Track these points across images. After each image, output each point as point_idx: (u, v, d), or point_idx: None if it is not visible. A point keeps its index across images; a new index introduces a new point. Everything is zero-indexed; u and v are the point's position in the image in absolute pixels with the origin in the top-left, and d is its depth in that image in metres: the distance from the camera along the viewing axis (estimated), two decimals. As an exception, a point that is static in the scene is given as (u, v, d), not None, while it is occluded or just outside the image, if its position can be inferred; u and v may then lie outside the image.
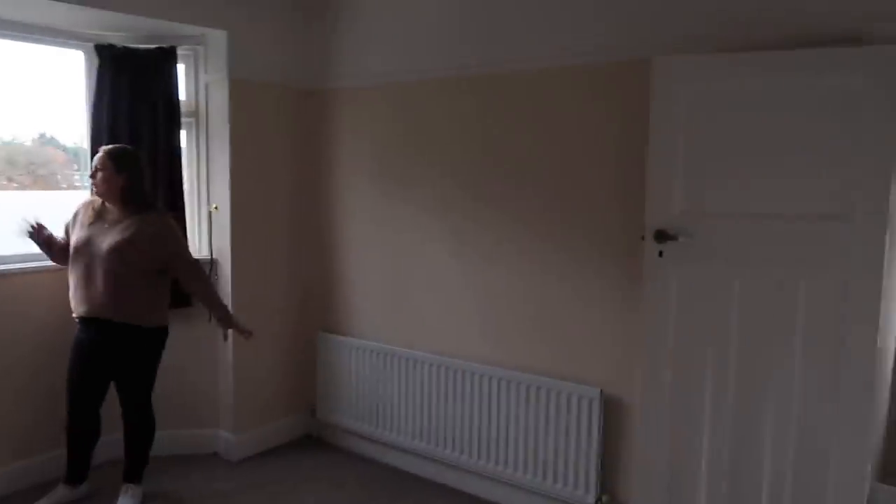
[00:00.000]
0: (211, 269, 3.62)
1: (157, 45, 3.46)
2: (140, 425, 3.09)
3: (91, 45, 3.41)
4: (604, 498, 2.90)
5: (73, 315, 3.00)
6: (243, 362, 3.67)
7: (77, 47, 3.45)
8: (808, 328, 2.38)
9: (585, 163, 2.90)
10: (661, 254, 2.63)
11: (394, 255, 3.58)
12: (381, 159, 3.60)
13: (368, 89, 3.62)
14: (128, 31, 3.44)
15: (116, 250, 2.87)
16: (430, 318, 3.44)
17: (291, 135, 3.82)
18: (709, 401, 2.57)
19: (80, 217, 3.03)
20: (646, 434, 2.71)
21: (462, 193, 3.29)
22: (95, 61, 3.39)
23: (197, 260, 3.22)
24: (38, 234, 3.00)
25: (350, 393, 3.74)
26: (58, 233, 3.09)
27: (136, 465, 3.12)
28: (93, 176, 2.95)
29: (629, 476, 2.84)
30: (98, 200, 3.02)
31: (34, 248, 3.19)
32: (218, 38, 3.50)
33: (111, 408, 3.09)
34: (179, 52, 3.52)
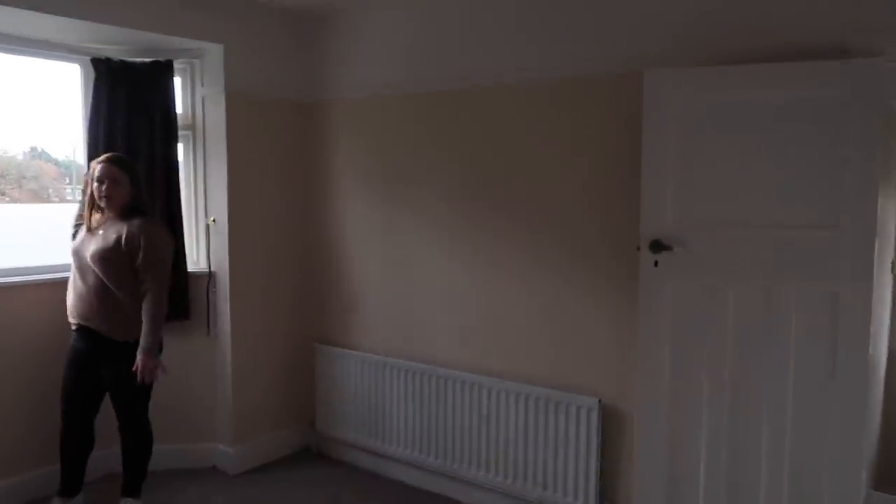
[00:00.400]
0: (209, 282, 3.62)
1: (153, 59, 3.48)
2: (137, 439, 3.06)
3: (87, 58, 3.41)
4: (603, 507, 2.93)
5: (69, 320, 2.98)
6: (242, 375, 3.67)
7: (73, 61, 3.46)
8: (801, 337, 2.43)
9: (584, 174, 2.94)
10: (656, 263, 2.66)
11: (391, 265, 3.60)
12: (377, 170, 3.63)
13: (363, 101, 3.65)
14: (124, 44, 3.45)
15: (100, 257, 2.85)
16: (429, 329, 3.46)
17: (287, 147, 3.84)
18: (706, 410, 2.60)
19: (80, 226, 3.02)
20: (644, 443, 2.73)
21: (458, 205, 3.32)
22: (92, 75, 3.39)
23: (164, 280, 2.92)
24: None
25: (349, 405, 3.74)
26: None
27: (134, 479, 3.10)
28: (100, 182, 2.88)
29: (629, 485, 2.86)
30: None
31: (23, 262, 3.22)
32: (214, 51, 3.53)
33: (110, 420, 3.08)
34: (176, 65, 3.54)
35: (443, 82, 3.32)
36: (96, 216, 2.96)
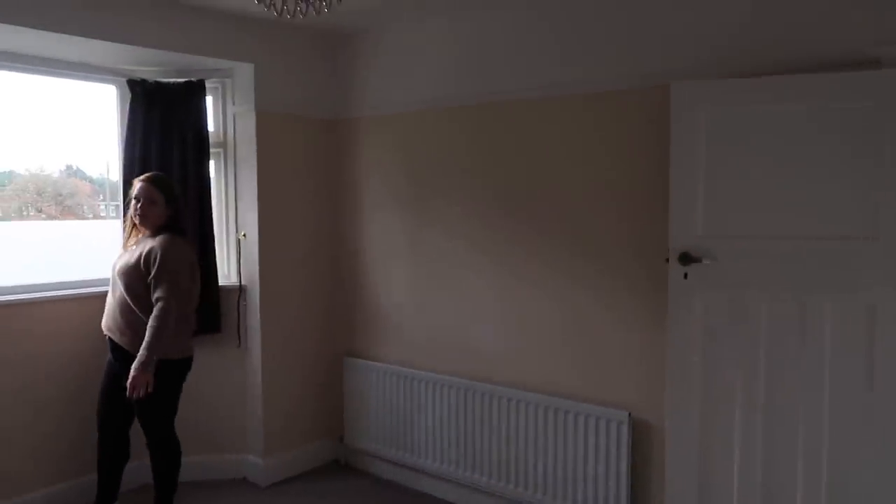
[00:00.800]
0: (239, 296, 3.68)
1: (186, 79, 3.57)
2: (163, 454, 3.06)
3: (123, 80, 3.52)
4: (633, 521, 2.90)
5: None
6: (272, 387, 3.72)
7: (110, 82, 3.57)
8: (836, 349, 2.40)
9: (613, 187, 2.95)
10: (685, 276, 2.66)
11: (420, 280, 3.63)
12: (404, 184, 3.67)
13: (390, 118, 3.70)
14: (159, 65, 3.55)
15: (122, 272, 2.93)
16: (458, 342, 3.48)
17: (316, 162, 3.91)
18: (738, 424, 2.57)
19: (123, 243, 3.13)
20: (674, 458, 2.71)
21: (487, 218, 3.34)
22: (128, 95, 3.50)
23: (173, 296, 2.83)
24: None
25: (377, 418, 3.77)
26: None
27: (164, 491, 3.14)
28: (137, 200, 2.95)
29: (661, 499, 2.84)
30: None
31: (62, 277, 3.32)
32: (245, 71, 3.61)
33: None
34: (208, 85, 3.62)
35: (469, 98, 3.36)
36: (136, 233, 3.06)
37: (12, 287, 3.32)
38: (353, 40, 3.83)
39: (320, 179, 3.94)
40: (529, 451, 3.16)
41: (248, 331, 3.71)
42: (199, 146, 3.57)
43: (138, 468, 3.31)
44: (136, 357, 2.81)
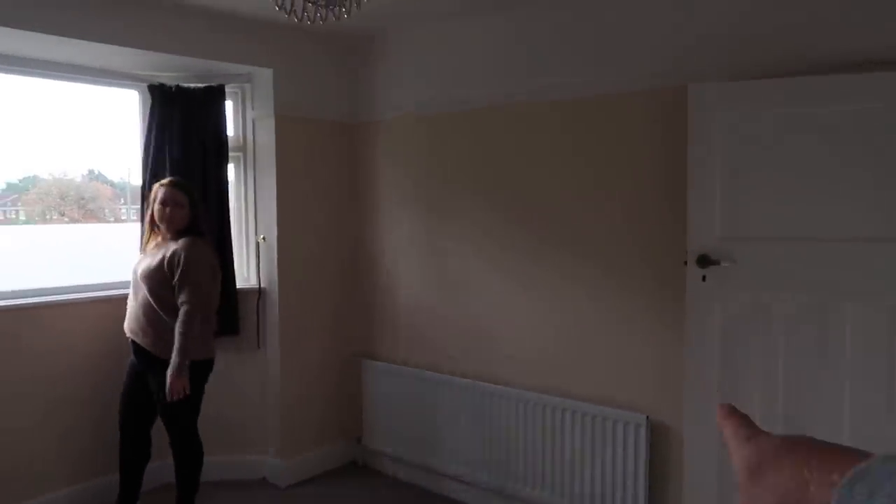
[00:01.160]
0: (258, 298, 3.72)
1: (206, 84, 3.61)
2: (185, 454, 3.10)
3: (144, 85, 3.57)
4: (652, 525, 2.89)
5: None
6: (290, 389, 3.75)
7: (131, 87, 3.62)
8: (857, 353, 2.37)
9: (628, 189, 2.94)
10: (704, 278, 2.64)
11: (437, 283, 3.64)
12: (421, 188, 3.69)
13: (406, 120, 3.72)
14: (179, 71, 3.60)
15: (146, 276, 2.96)
16: (475, 345, 3.48)
17: (334, 166, 3.94)
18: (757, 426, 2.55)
19: (142, 247, 3.17)
20: (693, 461, 2.70)
21: (504, 220, 3.35)
22: (148, 100, 3.55)
23: (199, 300, 2.90)
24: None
25: (395, 420, 3.78)
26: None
27: (186, 491, 3.17)
28: (164, 204, 2.99)
29: (679, 502, 2.83)
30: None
31: (84, 279, 3.38)
32: (264, 75, 3.65)
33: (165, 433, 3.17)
34: (228, 89, 3.67)
35: (485, 100, 3.37)
36: (155, 236, 3.09)
37: (36, 290, 3.38)
38: (370, 44, 3.86)
39: (338, 182, 3.96)
40: (547, 454, 3.16)
41: (266, 333, 3.75)
42: (218, 150, 3.62)
43: (160, 468, 3.35)
44: (158, 358, 2.90)
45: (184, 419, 3.06)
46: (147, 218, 3.11)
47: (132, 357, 3.09)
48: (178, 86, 3.57)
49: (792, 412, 2.49)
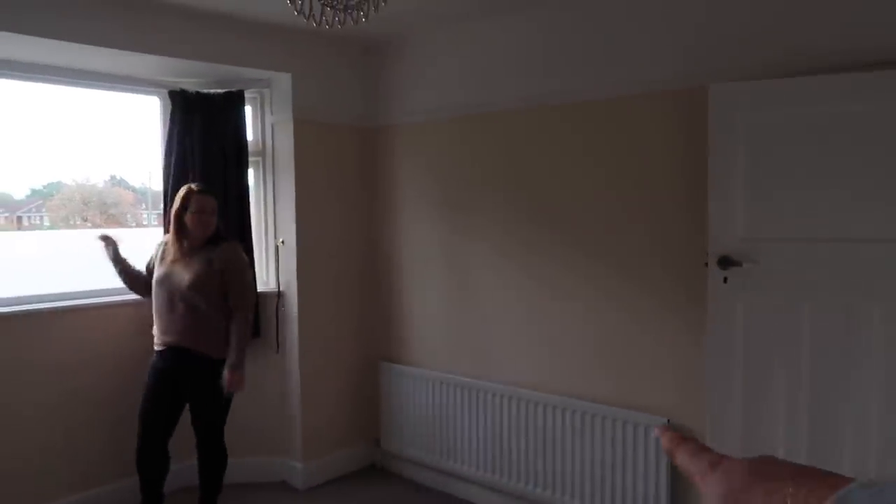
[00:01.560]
0: (278, 301, 3.74)
1: (226, 90, 3.64)
2: (215, 455, 3.16)
3: (165, 91, 3.61)
4: (674, 529, 2.86)
5: (155, 344, 3.10)
6: (310, 392, 3.76)
7: (153, 93, 3.67)
8: (885, 356, 2.33)
9: (647, 190, 2.92)
10: (725, 280, 2.62)
11: (456, 285, 3.64)
12: (440, 191, 3.69)
13: (423, 125, 3.73)
14: (199, 77, 3.63)
15: (194, 284, 2.99)
16: (493, 347, 3.48)
17: (352, 170, 3.96)
18: (782, 431, 2.52)
19: (164, 253, 3.13)
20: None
21: (523, 223, 3.34)
22: (169, 106, 3.59)
23: (251, 302, 3.19)
24: (108, 245, 3.22)
25: (414, 422, 3.78)
26: (139, 265, 3.27)
27: (211, 492, 3.20)
28: (201, 212, 3.03)
29: (700, 507, 2.79)
30: (170, 237, 3.11)
31: (107, 283, 3.39)
32: (283, 80, 3.67)
33: (187, 435, 3.18)
34: (247, 95, 3.70)
35: (502, 103, 3.36)
36: (179, 244, 3.07)
37: (59, 294, 3.43)
38: (388, 48, 3.87)
39: (356, 186, 3.98)
40: (567, 457, 3.14)
41: (286, 336, 3.77)
42: (238, 154, 3.65)
43: (178, 470, 3.35)
44: (205, 358, 3.03)
45: (218, 419, 3.13)
46: (173, 226, 3.07)
47: (162, 365, 3.06)
48: (198, 92, 3.61)
49: (817, 415, 2.45)
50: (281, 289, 3.76)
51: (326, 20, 1.91)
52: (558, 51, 3.16)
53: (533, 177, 3.29)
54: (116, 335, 3.45)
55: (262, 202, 3.85)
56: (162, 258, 3.13)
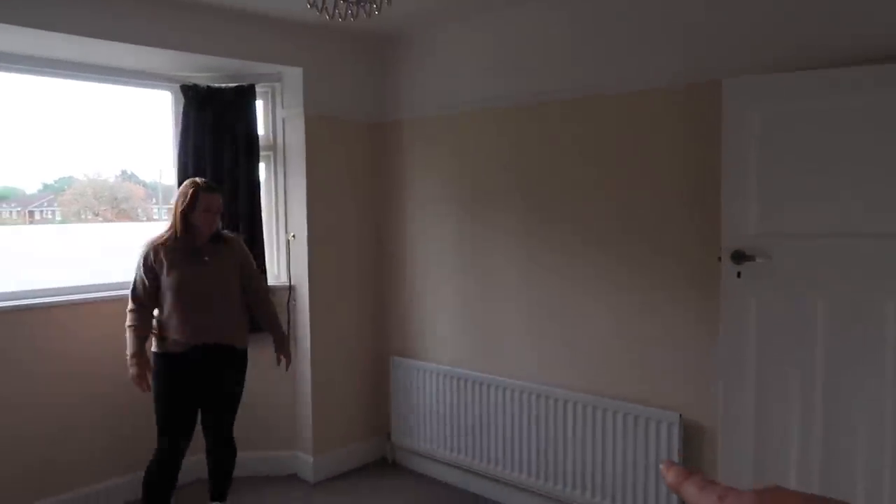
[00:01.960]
0: (289, 296, 3.75)
1: (237, 84, 3.65)
2: (229, 448, 3.16)
3: (177, 85, 3.62)
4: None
5: (173, 347, 2.93)
6: (321, 386, 3.77)
7: (165, 88, 3.68)
8: (900, 350, 2.32)
9: (662, 186, 2.91)
10: (738, 274, 2.60)
11: (467, 280, 3.64)
12: (451, 186, 3.68)
13: (434, 120, 3.72)
14: (211, 71, 3.64)
15: (223, 279, 2.99)
16: (505, 342, 3.47)
17: (363, 164, 3.96)
18: (795, 427, 2.51)
19: (167, 257, 2.92)
20: (728, 461, 2.66)
21: (537, 217, 3.33)
22: (181, 101, 3.59)
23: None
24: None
25: (424, 417, 3.79)
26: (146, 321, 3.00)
27: (225, 485, 3.21)
28: (215, 212, 2.95)
29: None
30: (167, 238, 2.94)
31: (117, 277, 3.44)
32: (294, 75, 3.67)
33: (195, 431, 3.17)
34: (258, 89, 3.70)
35: (516, 98, 3.35)
36: (186, 240, 2.97)
37: (71, 287, 3.45)
38: (399, 43, 3.86)
39: (367, 181, 3.98)
40: (577, 452, 3.14)
41: (297, 330, 3.78)
42: (249, 149, 3.66)
43: (188, 463, 3.33)
44: (240, 349, 3.08)
45: (235, 412, 3.15)
46: (180, 224, 2.92)
47: (182, 369, 2.92)
48: (209, 86, 3.61)
49: (831, 412, 2.43)
50: (292, 283, 3.77)
51: (340, 13, 1.91)
52: (568, 45, 3.14)
53: (544, 171, 3.27)
54: (122, 328, 3.45)
55: (272, 196, 3.85)
56: (170, 262, 2.91)
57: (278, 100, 3.80)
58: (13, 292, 3.31)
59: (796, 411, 2.50)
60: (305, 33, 3.61)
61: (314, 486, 3.72)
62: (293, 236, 3.76)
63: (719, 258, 2.63)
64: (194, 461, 3.38)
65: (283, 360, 3.24)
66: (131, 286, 2.97)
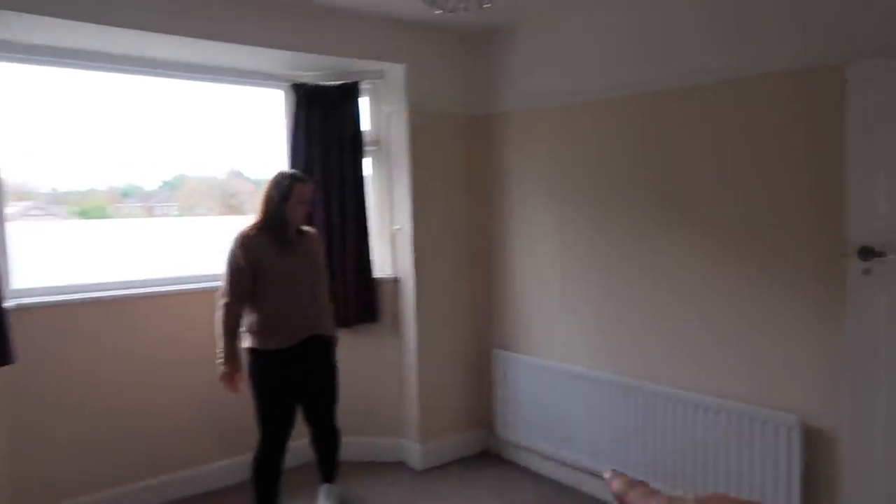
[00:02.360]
0: (395, 288, 3.86)
1: (342, 82, 3.76)
2: (336, 430, 3.27)
3: (287, 84, 3.77)
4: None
5: (277, 343, 2.95)
6: (426, 376, 3.85)
7: (277, 87, 3.84)
8: None
9: (775, 176, 2.76)
10: (866, 271, 2.45)
11: (566, 275, 3.60)
12: (553, 179, 3.64)
13: (535, 113, 3.69)
14: (318, 70, 3.77)
15: (314, 269, 3.12)
16: (613, 339, 3.40)
17: (465, 158, 3.98)
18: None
19: (261, 249, 2.93)
20: (855, 470, 2.50)
21: (640, 212, 3.24)
22: (291, 99, 3.74)
23: None
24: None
25: (527, 410, 3.79)
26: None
27: (334, 467, 3.34)
28: (309, 204, 3.09)
29: (835, 511, 2.63)
30: (257, 230, 2.96)
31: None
32: (396, 71, 3.74)
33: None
34: (362, 86, 3.80)
35: (620, 89, 3.26)
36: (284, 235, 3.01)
37: (191, 276, 3.66)
38: (499, 36, 3.85)
39: (469, 174, 4.01)
40: (687, 453, 3.04)
41: (403, 321, 3.87)
42: (355, 144, 3.76)
43: (294, 447, 3.31)
44: (332, 338, 3.17)
45: (337, 399, 3.23)
46: (274, 215, 2.94)
47: (286, 364, 2.96)
48: (316, 84, 3.74)
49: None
50: (397, 275, 3.86)
51: (454, 7, 1.93)
52: (675, 31, 3.02)
53: (650, 165, 3.18)
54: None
55: (378, 190, 3.95)
56: (266, 256, 2.92)
57: (382, 96, 3.89)
58: (126, 281, 3.50)
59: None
60: (408, 30, 3.66)
61: (420, 473, 3.80)
62: (398, 228, 3.83)
63: (845, 254, 2.48)
64: (301, 445, 3.52)
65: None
66: (225, 280, 2.90)
